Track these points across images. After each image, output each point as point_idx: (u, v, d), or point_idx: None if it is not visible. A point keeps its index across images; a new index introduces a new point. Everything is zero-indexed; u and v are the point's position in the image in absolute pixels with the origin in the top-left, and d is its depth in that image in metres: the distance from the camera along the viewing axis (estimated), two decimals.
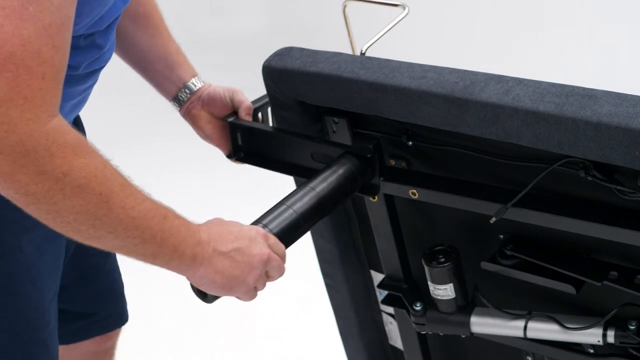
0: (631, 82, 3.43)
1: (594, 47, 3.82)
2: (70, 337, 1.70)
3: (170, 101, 1.60)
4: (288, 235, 1.32)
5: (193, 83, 1.59)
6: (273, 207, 1.35)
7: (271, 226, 1.30)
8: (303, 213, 1.34)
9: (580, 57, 3.80)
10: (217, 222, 1.27)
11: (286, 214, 1.33)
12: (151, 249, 1.16)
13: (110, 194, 1.09)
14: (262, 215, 1.33)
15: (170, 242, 1.17)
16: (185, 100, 1.58)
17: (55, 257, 1.45)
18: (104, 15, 1.24)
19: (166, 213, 1.17)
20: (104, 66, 1.37)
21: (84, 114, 1.50)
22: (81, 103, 1.42)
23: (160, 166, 3.64)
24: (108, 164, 1.11)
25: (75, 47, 1.17)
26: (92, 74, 1.35)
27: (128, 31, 1.55)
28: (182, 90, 1.58)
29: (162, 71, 1.58)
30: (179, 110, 1.60)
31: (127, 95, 3.66)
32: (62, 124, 1.05)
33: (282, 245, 1.30)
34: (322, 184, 1.39)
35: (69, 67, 1.11)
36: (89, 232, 1.11)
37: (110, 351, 1.80)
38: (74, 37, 1.10)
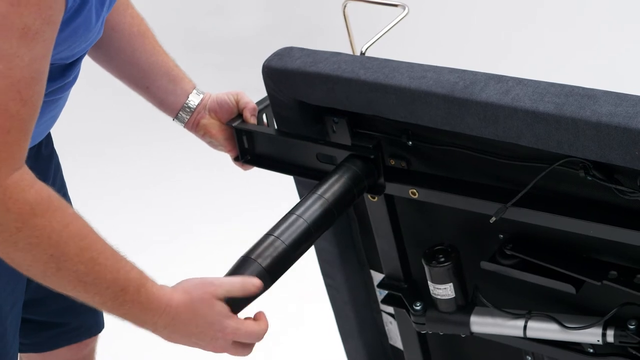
0: (631, 82, 3.43)
1: (593, 47, 3.82)
2: (40, 345, 1.70)
3: (173, 117, 1.59)
4: (299, 247, 1.32)
5: (196, 94, 1.58)
6: (284, 218, 1.34)
7: (283, 237, 1.30)
8: (314, 221, 1.34)
9: (580, 57, 3.79)
10: (191, 308, 1.22)
11: (297, 224, 1.33)
12: (103, 309, 1.18)
13: (61, 257, 1.10)
14: (274, 226, 1.33)
15: (120, 312, 1.18)
16: (192, 112, 1.58)
17: (12, 269, 1.45)
18: (70, 55, 1.25)
19: (125, 286, 1.16)
20: (67, 94, 1.37)
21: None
22: (47, 128, 1.43)
23: (166, 165, 3.64)
24: (72, 224, 1.12)
25: None
26: (56, 101, 1.36)
27: (126, 53, 1.55)
28: (187, 102, 1.57)
29: (165, 87, 1.57)
30: (185, 124, 1.59)
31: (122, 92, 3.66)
32: (23, 179, 1.07)
33: (253, 330, 1.27)
34: (330, 191, 1.38)
35: None
36: (41, 281, 1.14)
37: (88, 358, 1.79)
38: None
